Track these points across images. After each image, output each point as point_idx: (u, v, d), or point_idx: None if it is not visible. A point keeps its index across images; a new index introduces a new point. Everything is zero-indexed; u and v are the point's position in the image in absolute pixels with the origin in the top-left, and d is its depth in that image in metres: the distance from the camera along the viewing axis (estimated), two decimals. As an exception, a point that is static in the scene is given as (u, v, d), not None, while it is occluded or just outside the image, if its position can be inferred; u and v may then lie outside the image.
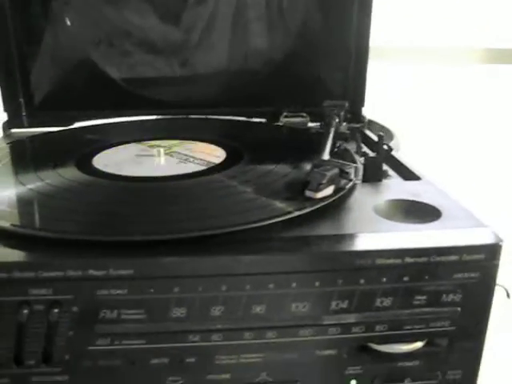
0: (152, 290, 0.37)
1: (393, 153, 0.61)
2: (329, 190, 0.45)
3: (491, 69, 1.24)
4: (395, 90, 1.17)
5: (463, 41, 1.22)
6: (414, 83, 1.20)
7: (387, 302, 0.40)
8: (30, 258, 0.37)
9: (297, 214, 0.42)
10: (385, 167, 0.54)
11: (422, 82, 1.21)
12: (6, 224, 0.41)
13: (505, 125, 1.17)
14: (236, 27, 0.77)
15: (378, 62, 0.80)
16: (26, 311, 0.37)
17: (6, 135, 0.72)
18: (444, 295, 0.40)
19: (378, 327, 0.40)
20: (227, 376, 0.40)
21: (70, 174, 0.52)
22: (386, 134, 0.84)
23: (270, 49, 0.78)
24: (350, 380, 0.42)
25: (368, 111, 0.78)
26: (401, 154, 0.72)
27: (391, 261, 0.38)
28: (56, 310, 0.37)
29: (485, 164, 1.12)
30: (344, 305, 0.39)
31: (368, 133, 0.71)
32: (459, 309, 0.40)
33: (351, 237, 0.40)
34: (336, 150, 0.57)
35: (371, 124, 0.85)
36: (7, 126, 0.73)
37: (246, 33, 0.77)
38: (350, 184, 0.47)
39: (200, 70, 0.79)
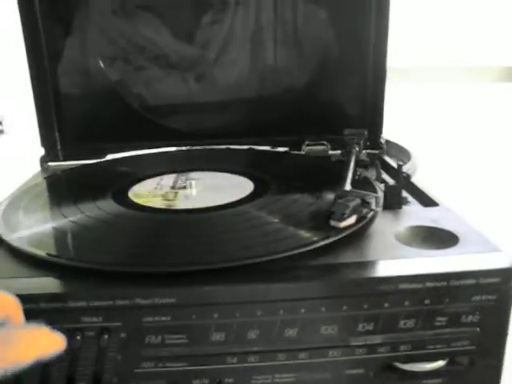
0: (193, 317, 0.41)
1: (412, 178, 0.64)
2: (352, 220, 0.48)
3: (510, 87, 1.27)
4: (413, 109, 1.20)
5: (483, 60, 1.24)
6: (432, 102, 1.23)
7: (410, 323, 0.42)
8: (82, 289, 0.41)
9: (323, 243, 0.45)
10: (404, 194, 0.57)
11: (440, 100, 1.23)
12: (60, 258, 0.44)
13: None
14: (254, 53, 0.80)
15: (395, 82, 0.83)
16: (78, 337, 0.40)
17: (44, 169, 0.76)
18: (463, 316, 0.43)
19: (402, 347, 0.43)
20: (263, 395, 0.43)
21: (108, 207, 0.55)
22: (403, 154, 0.86)
23: (290, 76, 0.81)
24: (377, 397, 0.44)
25: (385, 131, 0.80)
26: (418, 176, 0.75)
27: (413, 285, 0.41)
28: (106, 336, 0.41)
29: (503, 179, 1.14)
30: (370, 327, 0.42)
31: (387, 159, 0.74)
32: (478, 329, 0.43)
33: (375, 264, 0.43)
34: (357, 177, 0.60)
35: (389, 144, 0.87)
36: (44, 160, 0.77)
37: (262, 61, 0.81)
38: (372, 213, 0.50)
39: (219, 97, 0.82)
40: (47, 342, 0.34)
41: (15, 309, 0.35)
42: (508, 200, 1.09)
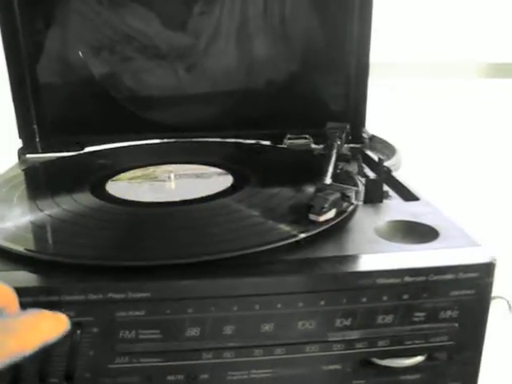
0: (168, 311, 0.40)
1: (394, 171, 0.63)
2: (331, 213, 0.47)
3: (494, 83, 1.27)
4: (399, 104, 1.19)
5: (466, 55, 1.24)
6: (417, 97, 1.22)
7: (388, 318, 0.42)
8: (54, 283, 0.40)
9: (301, 236, 0.44)
10: (386, 188, 0.57)
11: (426, 96, 1.23)
12: (33, 252, 0.44)
13: (507, 138, 1.19)
14: (240, 45, 0.79)
15: (381, 77, 0.82)
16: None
17: (22, 161, 0.74)
18: (442, 312, 0.42)
19: (380, 343, 0.42)
20: (239, 391, 0.43)
21: (85, 200, 0.54)
22: (388, 149, 0.86)
23: (273, 70, 0.80)
24: (355, 393, 0.44)
25: (371, 126, 0.80)
26: (402, 170, 0.75)
27: (391, 280, 0.41)
28: (78, 331, 0.40)
29: (486, 175, 1.14)
30: (348, 322, 0.42)
31: (369, 153, 0.73)
32: (457, 324, 0.43)
33: (353, 258, 0.43)
34: (339, 171, 0.59)
35: (374, 139, 0.87)
36: (22, 152, 0.75)
37: (248, 53, 0.80)
38: (351, 207, 0.50)
39: (203, 89, 0.81)
40: (50, 324, 0.33)
41: (11, 299, 0.35)
42: (491, 195, 1.09)
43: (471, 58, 1.26)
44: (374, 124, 0.81)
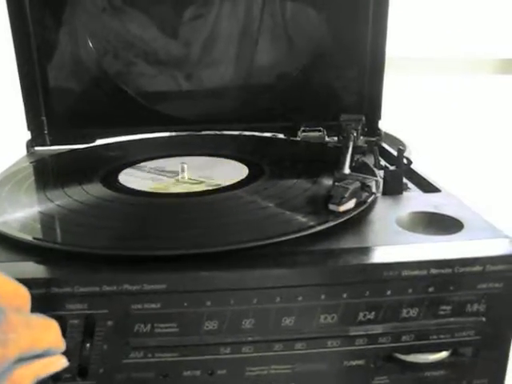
0: (185, 304, 0.38)
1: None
2: (351, 204, 0.46)
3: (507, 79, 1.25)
4: (407, 101, 1.18)
5: (478, 51, 1.23)
6: (427, 94, 1.21)
7: (413, 312, 0.40)
8: (66, 274, 0.38)
9: (322, 227, 0.42)
10: (404, 180, 0.55)
11: (435, 92, 1.21)
12: (43, 241, 0.42)
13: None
14: (246, 42, 0.78)
15: (388, 73, 0.81)
16: (62, 326, 0.38)
17: (30, 153, 0.73)
18: (468, 305, 0.41)
19: (404, 337, 0.41)
20: (257, 387, 0.41)
21: (96, 191, 0.53)
22: (397, 145, 0.84)
23: (284, 64, 0.79)
24: (377, 390, 0.42)
25: (381, 122, 0.78)
26: (415, 165, 0.73)
27: (417, 272, 0.39)
28: (91, 325, 0.38)
29: (499, 173, 1.13)
30: (371, 316, 0.40)
31: (385, 146, 0.72)
32: (484, 318, 0.41)
33: (377, 249, 0.41)
34: (354, 164, 0.58)
35: (384, 136, 0.85)
36: (30, 144, 0.74)
37: (258, 48, 0.78)
38: (372, 197, 0.48)
39: (215, 84, 0.80)
40: (57, 333, 0.35)
41: (26, 299, 0.34)
42: (506, 195, 1.07)
43: (485, 55, 1.25)
44: (384, 120, 0.80)
